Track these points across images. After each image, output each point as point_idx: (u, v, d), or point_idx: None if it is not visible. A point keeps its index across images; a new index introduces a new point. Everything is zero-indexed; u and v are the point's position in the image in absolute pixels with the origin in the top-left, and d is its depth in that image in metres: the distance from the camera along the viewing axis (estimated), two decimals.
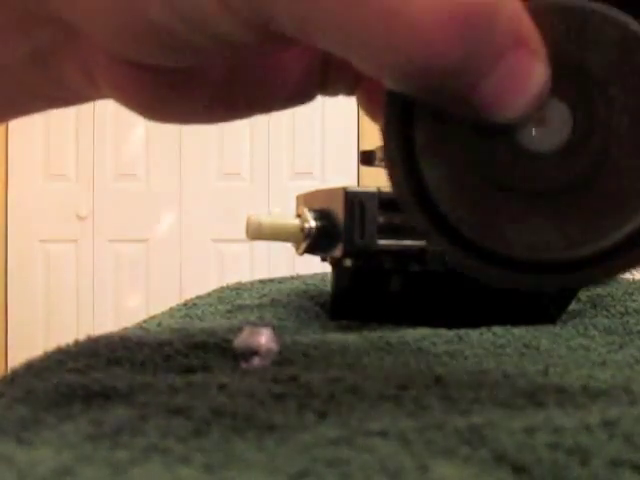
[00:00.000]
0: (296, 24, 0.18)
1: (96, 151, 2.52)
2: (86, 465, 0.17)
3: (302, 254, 0.39)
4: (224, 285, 0.58)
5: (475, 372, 0.27)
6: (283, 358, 0.29)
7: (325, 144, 2.46)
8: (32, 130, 2.48)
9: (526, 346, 0.34)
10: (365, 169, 2.24)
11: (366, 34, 0.17)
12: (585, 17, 0.19)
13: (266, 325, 0.30)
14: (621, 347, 0.34)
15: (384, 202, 0.37)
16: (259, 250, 2.46)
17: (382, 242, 0.37)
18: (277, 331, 0.30)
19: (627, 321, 0.40)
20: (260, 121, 2.43)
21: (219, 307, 0.46)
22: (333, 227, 0.37)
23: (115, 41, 0.21)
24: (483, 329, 0.37)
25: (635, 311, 0.43)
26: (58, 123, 2.45)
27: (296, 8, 0.17)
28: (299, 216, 0.38)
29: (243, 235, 0.38)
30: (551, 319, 0.41)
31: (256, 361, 0.28)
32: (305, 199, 0.42)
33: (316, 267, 0.72)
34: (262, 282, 0.59)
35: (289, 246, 0.39)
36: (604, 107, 0.19)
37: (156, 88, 0.23)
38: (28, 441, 0.19)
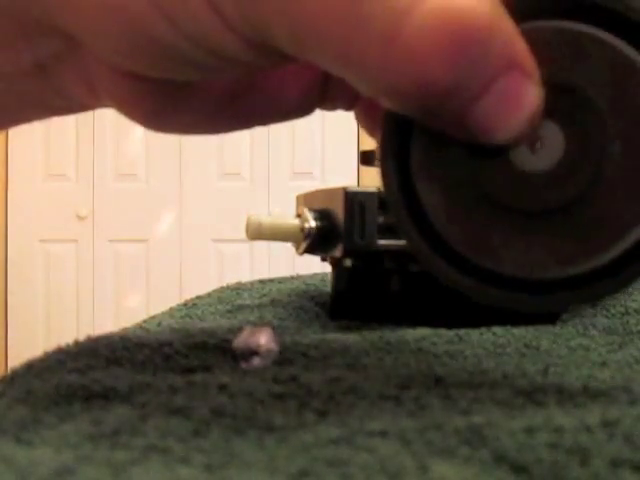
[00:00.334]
0: (294, 44, 0.18)
1: (96, 151, 2.52)
2: (86, 465, 0.17)
3: (302, 254, 0.39)
4: (224, 285, 0.58)
5: (475, 372, 0.27)
6: (283, 358, 0.29)
7: (325, 144, 2.46)
8: (32, 130, 2.48)
9: (526, 346, 0.34)
10: (365, 169, 2.24)
11: (361, 57, 0.17)
12: (578, 40, 0.20)
13: (266, 325, 0.30)
14: (621, 347, 0.34)
15: (384, 202, 0.37)
16: (259, 250, 2.46)
17: (382, 242, 0.37)
18: (277, 331, 0.30)
19: (627, 321, 0.40)
20: None
21: (219, 307, 0.46)
22: (333, 227, 0.37)
23: (117, 55, 0.21)
24: (483, 329, 0.37)
25: (635, 311, 0.43)
26: (58, 123, 2.45)
27: (294, 29, 0.18)
28: (299, 216, 0.38)
29: (243, 235, 0.38)
30: (551, 319, 0.41)
31: (256, 361, 0.28)
32: (305, 199, 0.42)
33: (316, 267, 0.72)
34: (262, 282, 0.59)
35: (289, 246, 0.39)
36: (597, 129, 0.20)
37: (156, 100, 0.24)
38: (28, 441, 0.19)
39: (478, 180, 0.20)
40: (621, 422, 0.19)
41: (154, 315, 0.47)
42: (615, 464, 0.17)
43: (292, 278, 0.60)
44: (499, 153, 0.20)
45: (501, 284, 0.21)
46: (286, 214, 0.39)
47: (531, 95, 0.18)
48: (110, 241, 2.54)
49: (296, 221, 0.38)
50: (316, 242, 0.38)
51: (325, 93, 0.26)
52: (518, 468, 0.17)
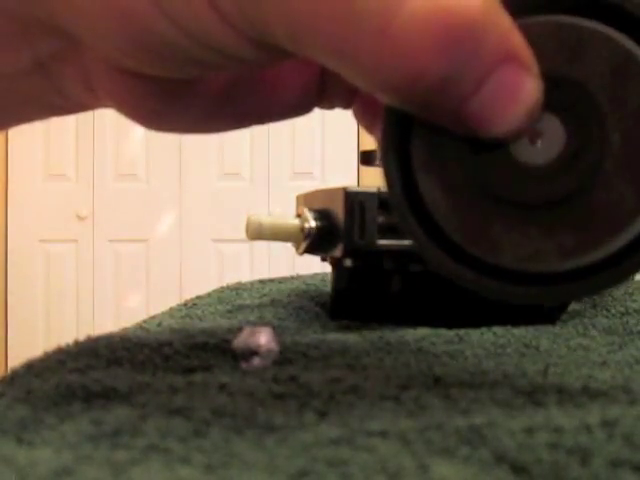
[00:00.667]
0: (292, 41, 0.18)
1: (96, 151, 2.52)
2: (86, 465, 0.17)
3: (302, 254, 0.39)
4: (224, 285, 0.58)
5: (475, 372, 0.27)
6: (283, 358, 0.29)
7: (325, 144, 2.46)
8: (32, 130, 2.48)
9: (526, 346, 0.34)
10: (365, 169, 2.24)
11: (355, 52, 0.17)
12: (577, 34, 0.20)
13: (266, 325, 0.30)
14: (621, 347, 0.34)
15: (384, 202, 0.37)
16: (259, 250, 2.46)
17: (382, 242, 0.37)
18: (277, 331, 0.30)
19: (627, 321, 0.40)
20: None
21: (219, 307, 0.46)
22: (333, 227, 0.37)
23: (117, 53, 0.21)
24: (483, 329, 0.37)
25: (635, 311, 0.43)
26: (58, 123, 2.45)
27: (292, 27, 0.18)
28: (299, 216, 0.38)
29: (243, 235, 0.38)
30: (551, 319, 0.41)
31: (256, 361, 0.28)
32: (305, 199, 0.42)
33: (316, 267, 0.72)
34: (262, 282, 0.59)
35: (289, 246, 0.39)
36: (597, 121, 0.20)
37: (156, 98, 0.24)
38: (28, 441, 0.19)
39: (478, 173, 0.20)
40: (621, 422, 0.19)
41: (154, 315, 0.47)
42: (615, 464, 0.17)
43: (292, 278, 0.60)
44: (499, 146, 0.20)
45: (501, 276, 0.21)
46: (286, 214, 0.39)
47: (529, 88, 0.18)
48: (110, 241, 2.54)
49: (296, 221, 0.38)
50: (316, 242, 0.38)
51: (323, 92, 0.26)
52: (518, 468, 0.17)
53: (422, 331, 0.37)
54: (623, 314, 0.43)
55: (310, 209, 0.38)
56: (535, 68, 0.18)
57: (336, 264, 0.42)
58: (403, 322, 0.39)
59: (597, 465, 0.17)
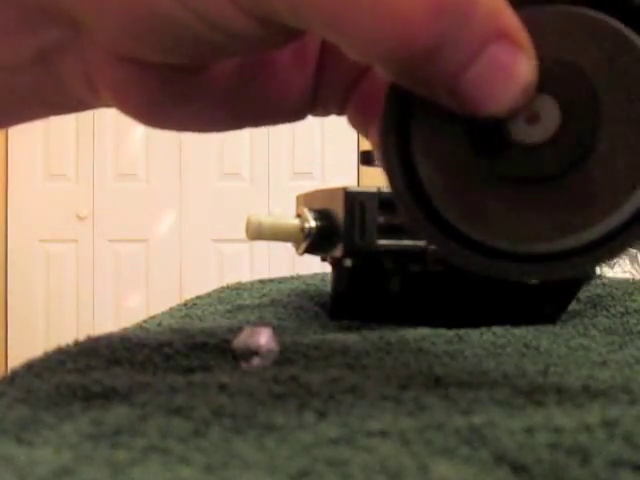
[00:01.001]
0: (294, 15, 0.19)
1: (96, 151, 2.52)
2: (86, 465, 0.17)
3: (302, 254, 0.39)
4: (224, 285, 0.58)
5: (475, 372, 0.27)
6: (283, 358, 0.29)
7: (325, 144, 2.46)
8: (32, 130, 2.48)
9: (526, 346, 0.34)
10: (365, 169, 2.24)
11: (352, 18, 0.18)
12: (575, 21, 0.20)
13: (266, 325, 0.30)
14: (621, 347, 0.34)
15: (384, 202, 0.37)
16: (259, 250, 2.46)
17: (382, 242, 0.37)
18: (277, 331, 0.30)
19: (627, 321, 0.40)
20: None
21: (219, 307, 0.46)
22: (333, 227, 0.37)
23: (122, 36, 0.21)
24: (483, 329, 0.37)
25: (635, 311, 0.43)
26: (58, 123, 2.45)
27: (293, 2, 0.19)
28: (299, 216, 0.38)
29: (243, 235, 0.38)
30: (551, 319, 0.41)
31: (256, 361, 0.28)
32: (305, 199, 0.42)
33: (316, 267, 0.72)
34: (262, 282, 0.59)
35: (289, 246, 0.39)
36: (592, 102, 0.20)
37: (158, 90, 0.24)
38: (28, 441, 0.19)
39: (475, 153, 0.21)
40: (621, 422, 0.19)
41: (154, 315, 0.47)
42: (615, 464, 0.17)
43: (292, 278, 0.60)
44: (495, 126, 0.20)
45: (498, 255, 0.21)
46: (286, 214, 0.39)
47: (523, 67, 0.19)
48: (110, 241, 2.54)
49: (296, 221, 0.38)
50: (316, 242, 0.38)
51: (316, 98, 0.27)
52: (518, 468, 0.17)
53: (422, 331, 0.37)
54: (623, 314, 0.43)
55: (310, 209, 0.38)
56: (530, 49, 0.19)
57: (336, 264, 0.42)
58: (403, 322, 0.39)
59: (597, 465, 0.17)
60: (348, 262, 0.39)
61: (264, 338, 0.29)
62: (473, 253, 0.21)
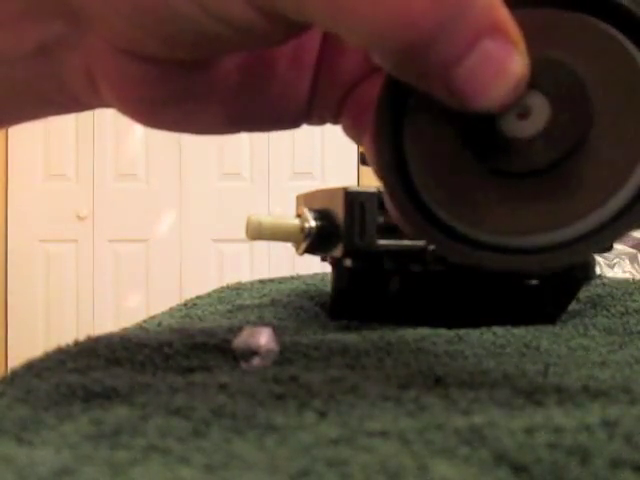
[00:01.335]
0: (295, 4, 0.19)
1: (96, 151, 2.52)
2: (86, 465, 0.17)
3: (302, 254, 0.39)
4: (224, 285, 0.58)
5: (475, 372, 0.27)
6: (283, 358, 0.29)
7: (325, 144, 2.46)
8: (32, 130, 2.48)
9: (526, 346, 0.34)
10: (365, 169, 2.24)
11: (354, 7, 0.19)
12: (566, 23, 0.21)
13: (266, 325, 0.30)
14: (621, 347, 0.34)
15: (384, 202, 0.37)
16: (259, 250, 2.46)
17: (382, 242, 0.37)
18: (277, 331, 0.30)
19: (627, 321, 0.40)
20: None
21: (219, 307, 0.46)
22: (333, 227, 0.37)
23: (127, 28, 0.22)
24: (483, 329, 0.37)
25: (635, 311, 0.43)
26: (58, 123, 2.45)
27: None
28: (299, 216, 0.38)
29: (243, 235, 0.38)
30: (551, 319, 0.41)
31: (256, 361, 0.28)
32: (305, 199, 0.42)
33: (316, 267, 0.72)
34: (262, 282, 0.59)
35: (289, 246, 0.39)
36: (582, 98, 0.21)
37: (159, 87, 0.24)
38: (28, 441, 0.19)
39: (466, 147, 0.21)
40: (621, 422, 0.19)
41: (154, 315, 0.47)
42: (615, 464, 0.17)
43: (292, 278, 0.60)
44: (487, 121, 0.21)
45: (487, 247, 0.21)
46: (286, 214, 0.39)
47: (516, 62, 0.19)
48: (110, 241, 2.54)
49: (296, 221, 0.38)
50: (316, 242, 0.38)
51: (312, 106, 0.27)
52: (518, 468, 0.17)
53: (422, 331, 0.37)
54: (623, 314, 0.43)
55: (310, 209, 0.38)
56: (522, 45, 0.19)
57: (336, 264, 0.42)
58: (403, 322, 0.39)
59: (597, 465, 0.17)
60: (348, 262, 0.39)
61: (264, 338, 0.29)
62: (464, 246, 0.21)
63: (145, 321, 0.44)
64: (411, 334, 0.35)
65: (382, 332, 0.36)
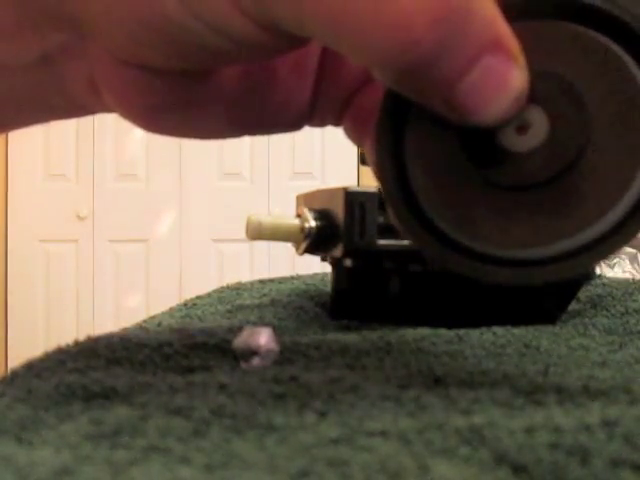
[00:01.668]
0: (296, 21, 0.19)
1: (96, 151, 2.52)
2: (86, 465, 0.17)
3: (302, 254, 0.39)
4: (224, 285, 0.58)
5: (475, 372, 0.27)
6: (283, 358, 0.29)
7: (325, 144, 2.46)
8: (32, 130, 2.48)
9: (526, 346, 0.34)
10: (365, 169, 2.24)
11: (355, 26, 0.18)
12: (565, 35, 0.21)
13: (266, 325, 0.30)
14: (621, 347, 0.34)
15: (384, 202, 0.37)
16: (259, 250, 2.46)
17: (382, 242, 0.37)
18: (277, 331, 0.30)
19: (627, 321, 0.40)
20: None
21: (219, 307, 0.46)
22: (333, 227, 0.37)
23: (128, 41, 0.22)
24: (483, 329, 0.37)
25: (635, 311, 0.43)
26: (58, 123, 2.44)
27: (297, 11, 0.19)
28: (299, 216, 0.38)
29: (243, 235, 0.38)
30: (551, 319, 0.41)
31: (256, 361, 0.28)
32: (305, 199, 0.42)
33: (316, 267, 0.72)
34: (262, 282, 0.59)
35: (289, 246, 0.39)
36: (580, 111, 0.21)
37: (161, 95, 0.24)
38: (28, 441, 0.19)
39: (466, 159, 0.21)
40: (621, 422, 0.19)
41: (154, 315, 0.47)
42: (615, 464, 0.17)
43: (292, 278, 0.60)
44: (487, 134, 0.21)
45: (485, 259, 0.22)
46: (286, 214, 0.39)
47: (516, 77, 0.19)
48: (110, 241, 2.54)
49: (296, 221, 0.38)
50: (316, 242, 0.38)
51: (314, 108, 0.27)
52: (518, 468, 0.17)
53: (422, 331, 0.37)
54: (623, 314, 0.43)
55: (310, 209, 0.38)
56: (522, 60, 0.19)
57: (336, 264, 0.42)
58: (403, 322, 0.39)
59: (597, 465, 0.17)
60: (348, 262, 0.39)
61: (264, 338, 0.29)
62: (461, 257, 0.22)
63: (145, 321, 0.44)
64: (411, 334, 0.35)
65: (382, 332, 0.36)
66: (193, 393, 0.23)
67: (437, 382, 0.25)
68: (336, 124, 0.28)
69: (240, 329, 0.30)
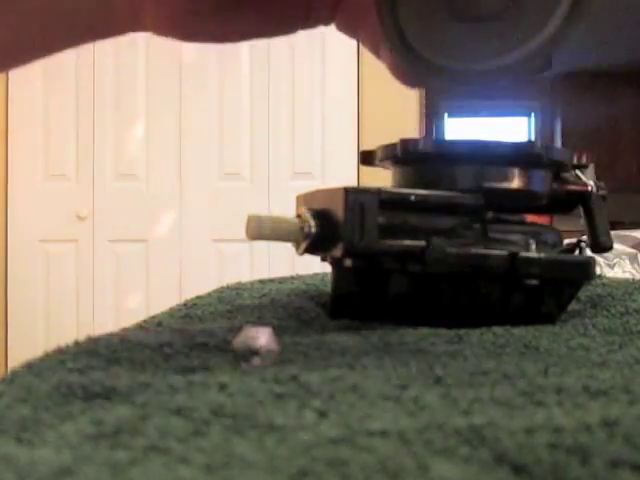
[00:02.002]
0: None
1: (96, 151, 2.52)
2: (86, 465, 0.17)
3: (302, 254, 0.39)
4: (224, 285, 0.58)
5: (475, 372, 0.27)
6: (283, 358, 0.29)
7: (325, 144, 2.46)
8: (32, 130, 2.48)
9: (526, 346, 0.34)
10: (365, 169, 2.24)
11: None
12: None
13: (266, 325, 0.30)
14: (621, 347, 0.34)
15: (384, 202, 0.37)
16: (259, 250, 2.46)
17: (382, 242, 0.37)
18: (277, 331, 0.30)
19: (627, 321, 0.40)
20: (260, 121, 2.43)
21: (219, 307, 0.46)
22: (333, 227, 0.37)
23: None
24: (483, 329, 0.37)
25: (635, 311, 0.43)
26: (58, 123, 2.45)
27: None
28: (299, 216, 0.38)
29: (243, 235, 0.38)
30: (551, 319, 0.41)
31: (256, 361, 0.28)
32: (305, 199, 0.42)
33: (316, 267, 0.72)
34: (262, 282, 0.59)
35: (289, 246, 0.39)
36: None
37: (197, 1, 0.28)
38: (28, 441, 0.19)
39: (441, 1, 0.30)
40: (621, 422, 0.19)
41: (154, 315, 0.47)
42: (615, 464, 0.17)
43: (292, 278, 0.60)
44: None
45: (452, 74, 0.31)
46: (286, 214, 0.39)
47: None
48: (110, 241, 2.54)
49: (296, 221, 0.38)
50: (316, 242, 0.38)
51: (309, 11, 0.31)
52: (518, 468, 0.17)
53: (422, 331, 0.37)
54: (623, 314, 0.43)
55: (310, 209, 0.38)
56: None
57: (336, 264, 0.42)
58: (403, 322, 0.39)
59: (597, 465, 0.17)
60: (348, 262, 0.39)
61: (264, 338, 0.29)
62: (427, 67, 0.30)
63: (145, 321, 0.44)
64: (411, 334, 0.35)
65: (382, 332, 0.36)
66: (193, 393, 0.23)
67: (437, 382, 0.25)
68: (329, 22, 0.32)
69: (240, 329, 0.30)
